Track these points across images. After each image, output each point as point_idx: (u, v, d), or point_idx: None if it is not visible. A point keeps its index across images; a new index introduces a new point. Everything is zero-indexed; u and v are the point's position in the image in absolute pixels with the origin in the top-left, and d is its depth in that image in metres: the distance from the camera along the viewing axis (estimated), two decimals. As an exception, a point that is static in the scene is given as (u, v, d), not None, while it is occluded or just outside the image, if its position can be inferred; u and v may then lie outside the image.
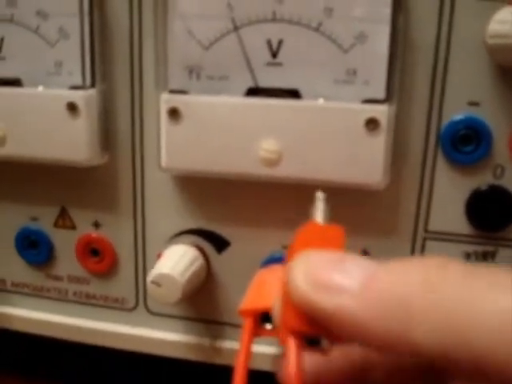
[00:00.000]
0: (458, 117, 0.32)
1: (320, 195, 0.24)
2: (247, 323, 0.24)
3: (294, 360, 0.19)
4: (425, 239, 0.34)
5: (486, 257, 0.34)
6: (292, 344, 0.20)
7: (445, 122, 0.32)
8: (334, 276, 0.18)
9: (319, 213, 0.24)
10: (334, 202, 0.35)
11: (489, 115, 0.32)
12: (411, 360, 0.19)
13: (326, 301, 0.17)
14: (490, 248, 0.34)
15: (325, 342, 0.21)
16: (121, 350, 0.40)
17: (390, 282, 0.16)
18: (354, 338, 0.17)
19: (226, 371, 0.39)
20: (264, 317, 0.24)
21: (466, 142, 0.32)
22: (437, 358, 0.15)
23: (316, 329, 0.19)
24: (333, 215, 0.35)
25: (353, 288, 0.17)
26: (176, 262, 0.35)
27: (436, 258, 0.17)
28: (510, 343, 0.14)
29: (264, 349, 0.37)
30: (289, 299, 0.19)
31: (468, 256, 0.34)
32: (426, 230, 0.34)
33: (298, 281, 0.18)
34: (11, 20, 0.36)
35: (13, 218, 0.41)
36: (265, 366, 0.34)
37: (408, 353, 0.16)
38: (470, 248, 0.34)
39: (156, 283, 0.34)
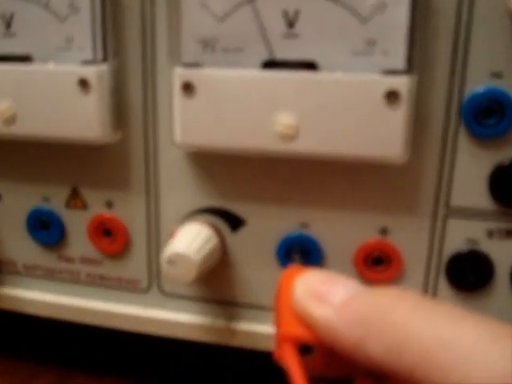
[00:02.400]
0: (481, 88, 0.31)
1: None
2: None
3: (295, 364, 0.22)
4: (446, 216, 0.34)
5: (509, 234, 0.33)
6: (290, 349, 0.23)
7: (467, 93, 0.31)
8: (325, 290, 0.23)
9: None
10: (353, 177, 0.34)
11: (513, 87, 0.31)
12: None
13: (314, 308, 0.22)
14: (513, 225, 0.33)
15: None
16: (134, 332, 0.40)
17: (362, 305, 0.21)
18: (330, 343, 0.22)
19: (241, 353, 0.38)
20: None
21: (488, 115, 0.31)
22: (381, 366, 0.20)
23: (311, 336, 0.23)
24: (352, 190, 0.34)
25: (335, 302, 0.22)
26: (191, 240, 0.34)
27: (398, 290, 0.22)
28: (431, 362, 0.18)
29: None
30: (291, 310, 0.24)
31: (491, 234, 0.33)
32: (447, 206, 0.33)
33: (298, 290, 0.23)
34: (21, -5, 0.35)
35: (24, 199, 0.40)
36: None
37: (362, 359, 0.20)
38: (493, 225, 0.33)
39: (170, 262, 0.33)
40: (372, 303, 0.21)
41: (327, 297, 0.22)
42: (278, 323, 0.25)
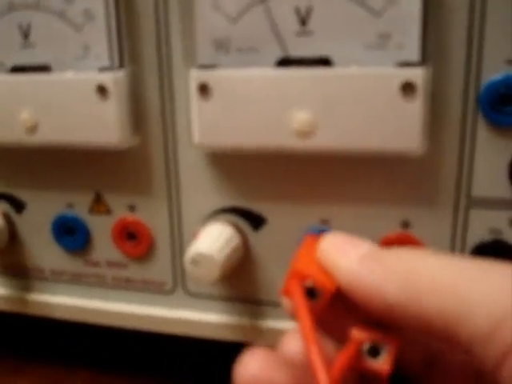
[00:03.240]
0: (497, 76, 0.31)
1: None
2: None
3: (302, 300, 0.24)
4: (468, 206, 0.33)
5: (532, 222, 0.33)
6: (298, 285, 0.24)
7: (483, 82, 0.31)
8: (349, 246, 0.24)
9: None
10: (372, 171, 0.34)
11: (529, 73, 0.31)
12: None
13: (339, 258, 0.23)
14: (536, 213, 0.33)
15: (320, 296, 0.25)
16: (160, 333, 0.40)
17: (383, 255, 0.23)
18: (349, 289, 0.23)
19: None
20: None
21: (506, 103, 0.31)
22: (398, 312, 0.21)
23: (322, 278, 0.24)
24: (371, 184, 0.34)
25: (358, 254, 0.23)
26: (213, 240, 0.34)
27: (417, 249, 0.23)
28: (450, 310, 0.19)
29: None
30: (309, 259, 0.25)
31: (513, 222, 0.33)
32: (468, 197, 0.33)
33: (324, 244, 0.25)
34: (37, 7, 0.36)
35: (48, 206, 0.41)
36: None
37: (380, 305, 0.21)
38: (515, 214, 0.33)
39: (194, 263, 0.34)
40: (393, 254, 0.22)
41: (351, 250, 0.23)
42: (291, 265, 0.26)
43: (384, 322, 0.22)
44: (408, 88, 0.30)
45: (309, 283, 0.25)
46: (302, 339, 0.23)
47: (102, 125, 0.35)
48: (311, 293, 0.26)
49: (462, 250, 0.34)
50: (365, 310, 0.22)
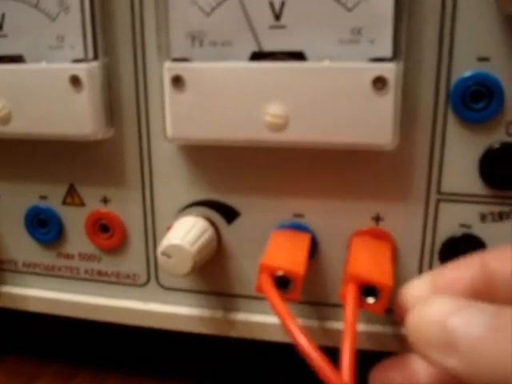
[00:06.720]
0: (468, 73, 0.31)
1: None
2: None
3: (273, 292, 0.24)
4: (438, 201, 0.34)
5: (502, 217, 0.33)
6: (268, 282, 0.25)
7: (454, 78, 0.32)
8: (450, 334, 0.20)
9: None
10: (345, 166, 0.34)
11: (499, 70, 0.31)
12: None
13: (437, 356, 0.21)
14: (505, 208, 0.33)
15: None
16: (134, 326, 0.40)
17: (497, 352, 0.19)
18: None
19: (240, 344, 0.39)
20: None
21: (476, 99, 0.32)
22: None
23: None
24: (344, 179, 0.35)
25: (463, 350, 0.20)
26: (186, 232, 0.34)
27: None
28: None
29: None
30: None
31: (483, 217, 0.34)
32: (439, 192, 0.33)
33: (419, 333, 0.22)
34: (12, -4, 0.36)
35: (21, 198, 0.41)
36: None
37: None
38: (486, 208, 0.33)
39: (166, 254, 0.34)
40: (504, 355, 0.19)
41: (453, 344, 0.20)
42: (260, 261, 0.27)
43: None
44: (380, 83, 0.30)
45: (279, 273, 0.26)
46: (287, 331, 0.23)
47: (76, 116, 0.35)
48: (285, 283, 0.27)
49: (433, 245, 0.34)
50: None
